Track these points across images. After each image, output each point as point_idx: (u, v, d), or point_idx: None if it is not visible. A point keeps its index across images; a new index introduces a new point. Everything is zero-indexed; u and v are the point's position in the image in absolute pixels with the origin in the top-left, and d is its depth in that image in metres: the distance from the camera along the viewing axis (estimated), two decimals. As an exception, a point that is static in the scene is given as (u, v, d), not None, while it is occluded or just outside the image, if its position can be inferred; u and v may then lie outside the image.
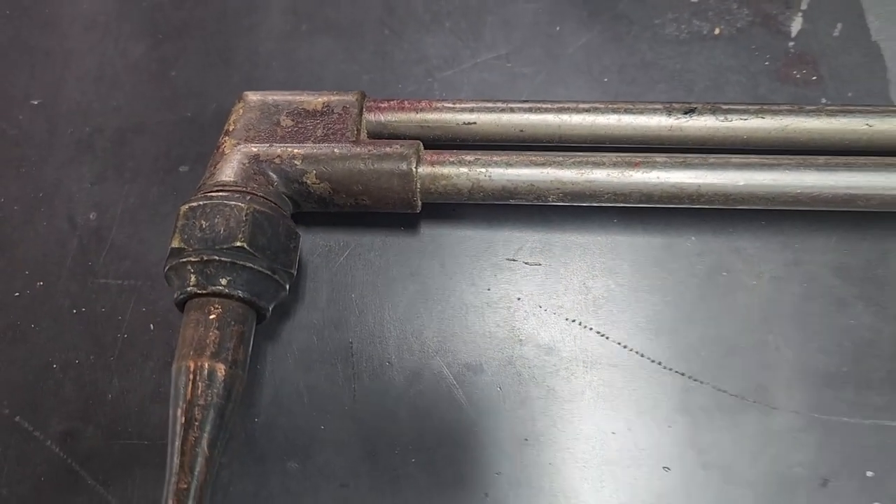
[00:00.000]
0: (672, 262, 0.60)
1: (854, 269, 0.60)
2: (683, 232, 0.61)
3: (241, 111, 0.60)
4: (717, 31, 0.64)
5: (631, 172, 0.56)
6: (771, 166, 0.56)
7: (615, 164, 0.56)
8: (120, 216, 0.64)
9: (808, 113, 0.58)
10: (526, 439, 0.56)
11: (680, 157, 0.56)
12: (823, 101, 0.63)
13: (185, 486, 0.48)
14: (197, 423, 0.49)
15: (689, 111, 0.58)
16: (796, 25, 0.64)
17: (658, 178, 0.56)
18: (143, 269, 0.61)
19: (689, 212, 0.60)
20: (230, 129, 0.59)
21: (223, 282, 0.52)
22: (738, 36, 0.64)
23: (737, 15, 0.65)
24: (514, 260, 0.61)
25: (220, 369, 0.50)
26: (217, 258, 0.52)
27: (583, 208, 0.60)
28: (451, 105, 0.60)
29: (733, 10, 0.65)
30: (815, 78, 0.63)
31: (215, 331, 0.52)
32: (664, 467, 0.55)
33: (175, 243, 0.53)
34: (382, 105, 0.60)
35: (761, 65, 0.64)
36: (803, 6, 0.64)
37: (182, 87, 0.68)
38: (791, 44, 0.64)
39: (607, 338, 0.59)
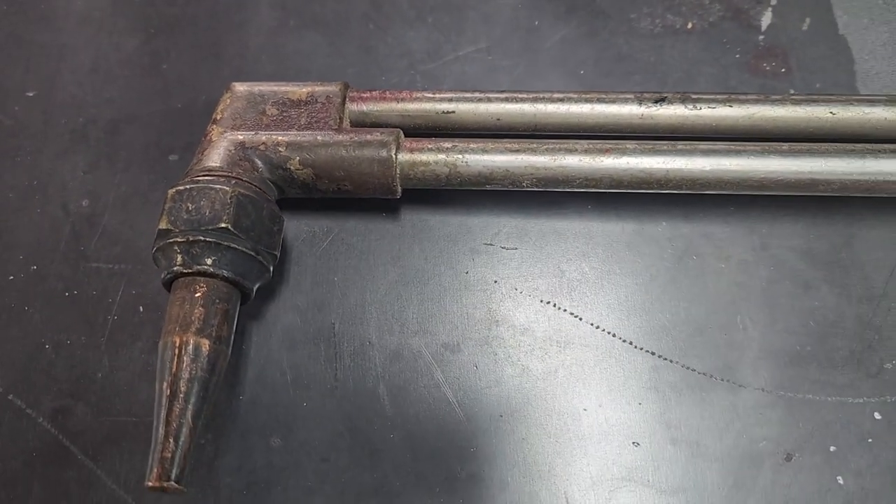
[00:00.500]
0: (644, 246, 0.62)
1: (819, 254, 0.62)
2: (655, 217, 0.63)
3: (228, 101, 0.62)
4: (689, 26, 0.66)
5: (602, 158, 0.58)
6: (737, 152, 0.58)
7: (586, 151, 0.58)
8: (112, 203, 0.66)
9: (773, 102, 0.60)
10: (501, 416, 0.58)
11: (649, 143, 0.58)
12: (792, 91, 0.65)
13: (170, 454, 0.49)
14: (182, 395, 0.51)
15: (660, 100, 0.60)
16: (766, 20, 0.67)
17: (628, 163, 0.58)
18: (134, 253, 0.63)
19: (660, 198, 0.62)
20: (218, 118, 0.61)
21: (208, 261, 0.54)
22: (710, 30, 0.66)
23: (709, 10, 0.67)
24: (491, 244, 0.63)
25: (205, 344, 0.52)
26: (202, 239, 0.54)
27: (558, 195, 0.62)
28: (430, 95, 0.62)
29: (705, 5, 0.67)
30: (784, 70, 0.66)
31: (200, 308, 0.54)
32: (634, 442, 0.57)
33: (162, 225, 0.55)
34: (365, 95, 0.63)
35: (732, 57, 0.66)
36: (773, 1, 0.67)
37: (173, 80, 0.71)
38: (761, 37, 0.66)
39: (580, 319, 0.61)
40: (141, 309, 0.62)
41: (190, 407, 0.51)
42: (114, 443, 0.57)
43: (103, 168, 0.67)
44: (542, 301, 0.61)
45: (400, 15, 0.70)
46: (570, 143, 0.58)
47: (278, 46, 0.71)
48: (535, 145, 0.58)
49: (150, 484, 0.49)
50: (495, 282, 0.62)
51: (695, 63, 0.65)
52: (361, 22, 0.71)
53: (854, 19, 0.66)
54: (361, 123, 0.62)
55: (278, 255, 0.59)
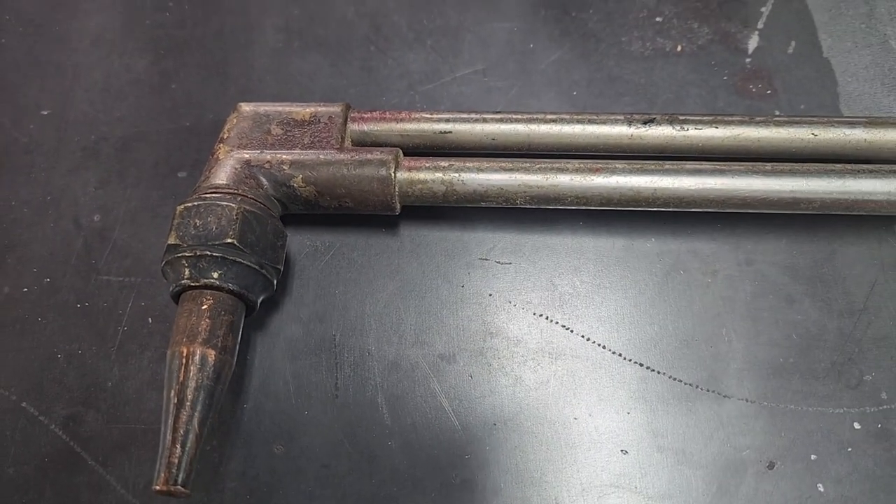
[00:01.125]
0: (633, 261, 0.65)
1: (802, 269, 0.64)
2: (644, 234, 0.65)
3: (234, 120, 0.65)
4: (679, 48, 0.68)
5: (592, 177, 0.60)
6: (721, 172, 0.60)
7: (578, 170, 0.61)
8: (122, 218, 0.69)
9: (758, 123, 0.63)
10: (494, 424, 0.60)
11: (638, 163, 0.61)
12: (777, 113, 0.67)
13: (176, 459, 0.52)
14: (188, 403, 0.53)
15: (649, 121, 0.62)
16: (753, 43, 0.69)
17: (617, 182, 0.60)
18: (143, 266, 0.66)
19: (649, 215, 0.64)
20: (224, 137, 0.64)
21: (215, 275, 0.57)
22: (699, 52, 0.69)
23: (697, 33, 0.69)
24: (486, 259, 0.65)
25: (211, 354, 0.55)
26: (209, 253, 0.57)
27: (551, 212, 0.65)
28: (428, 115, 0.64)
29: (694, 29, 0.69)
30: (769, 92, 0.68)
31: (207, 320, 0.56)
32: (622, 450, 0.59)
33: (171, 240, 0.58)
34: (365, 115, 0.65)
35: (720, 79, 0.68)
36: (760, 25, 0.69)
37: (181, 99, 0.73)
38: (748, 60, 0.68)
39: (572, 331, 0.63)
40: (150, 320, 0.64)
41: (196, 414, 0.53)
42: (123, 449, 0.60)
43: (114, 184, 0.70)
44: (534, 314, 0.63)
45: (400, 38, 0.73)
46: (562, 163, 0.61)
47: (283, 67, 0.73)
48: (528, 164, 0.61)
49: (158, 488, 0.52)
50: (490, 295, 0.64)
51: (683, 85, 0.68)
52: (363, 44, 0.73)
53: (838, 43, 0.68)
54: (362, 143, 0.65)
55: (282, 269, 0.61)
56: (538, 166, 0.61)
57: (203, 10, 0.77)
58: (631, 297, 0.64)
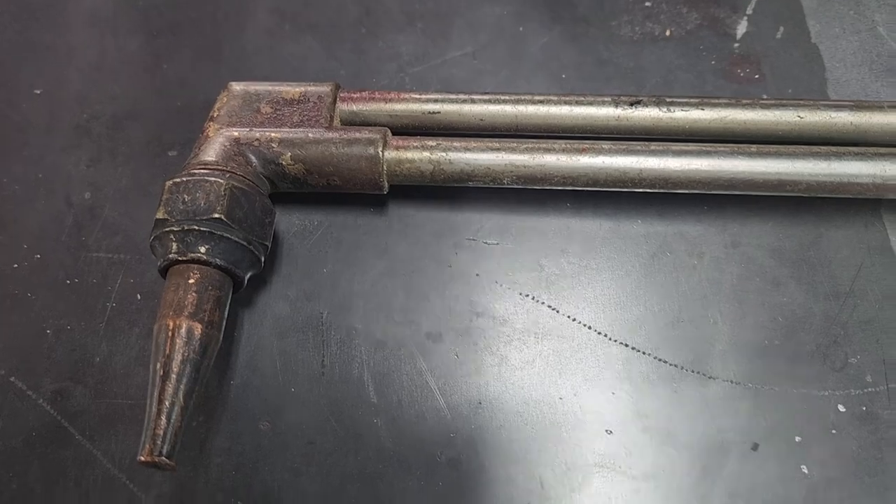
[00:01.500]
0: (620, 243, 0.65)
1: (788, 252, 0.64)
2: (631, 216, 0.66)
3: (225, 99, 0.65)
4: (668, 33, 0.68)
5: (578, 157, 0.61)
6: (707, 153, 0.60)
7: (564, 150, 0.61)
8: (112, 196, 0.69)
9: (744, 105, 0.63)
10: (480, 403, 0.60)
11: (624, 144, 0.61)
12: (765, 97, 0.68)
13: (161, 430, 0.52)
14: (174, 376, 0.54)
15: (635, 103, 0.63)
16: (741, 28, 0.69)
17: (603, 162, 0.61)
18: (133, 244, 0.66)
19: (635, 197, 0.65)
20: (215, 115, 0.64)
21: (202, 250, 0.57)
22: (688, 37, 0.69)
23: (686, 18, 0.70)
24: (474, 239, 0.66)
25: (197, 328, 0.55)
26: (197, 228, 0.57)
27: (538, 193, 0.65)
28: (417, 96, 0.65)
29: (683, 14, 0.70)
30: (757, 76, 0.68)
31: (193, 294, 0.57)
32: (607, 430, 0.60)
33: (159, 215, 0.58)
34: (355, 95, 0.66)
35: (708, 64, 0.69)
36: (748, 10, 0.69)
37: (173, 79, 0.74)
38: (736, 45, 0.69)
39: (558, 311, 0.63)
40: (138, 297, 0.64)
41: (182, 387, 0.54)
42: (110, 424, 0.60)
43: (105, 162, 0.71)
44: (521, 294, 0.64)
45: (391, 20, 0.73)
46: (549, 143, 0.61)
47: (275, 49, 0.74)
48: (515, 144, 0.61)
49: (142, 459, 0.52)
50: (477, 275, 0.64)
51: (672, 69, 0.68)
52: (354, 27, 0.74)
53: (826, 28, 0.68)
54: (352, 122, 0.65)
55: (269, 246, 0.62)
56: (525, 146, 0.61)
57: (196, -10, 0.77)
58: (617, 278, 0.64)
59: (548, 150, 0.61)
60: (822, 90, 0.67)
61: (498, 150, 0.61)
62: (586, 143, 0.61)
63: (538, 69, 0.69)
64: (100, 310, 0.65)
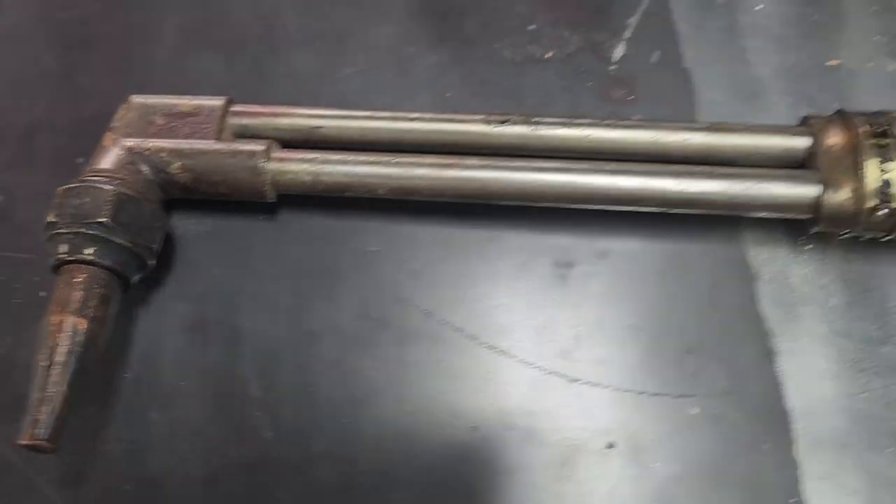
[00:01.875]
0: (494, 252, 0.69)
1: (652, 263, 0.69)
2: (506, 226, 0.70)
3: (124, 111, 0.70)
4: (548, 55, 0.73)
5: (446, 171, 0.65)
6: (565, 170, 0.65)
7: (432, 165, 0.66)
8: (23, 199, 0.74)
9: (606, 125, 0.67)
10: (358, 399, 0.65)
11: (489, 160, 0.66)
12: (639, 117, 0.72)
13: (42, 416, 0.57)
14: (58, 367, 0.58)
15: (504, 121, 0.67)
16: (619, 52, 0.74)
17: (469, 176, 0.65)
18: (39, 245, 0.70)
19: (511, 209, 0.68)
20: (113, 126, 0.69)
21: (89, 251, 0.62)
22: (567, 60, 0.74)
23: (568, 41, 0.74)
24: (358, 247, 0.70)
25: (82, 323, 0.60)
26: (84, 231, 0.62)
27: (421, 203, 0.69)
28: (301, 111, 0.69)
29: (565, 37, 0.74)
30: (631, 98, 0.73)
31: (80, 291, 0.61)
32: (472, 427, 0.64)
33: (50, 218, 0.63)
34: (246, 110, 0.70)
35: (584, 85, 0.73)
36: (626, 35, 0.74)
37: (84, 91, 0.78)
38: (613, 67, 0.73)
39: (432, 315, 0.68)
40: (42, 294, 0.69)
41: (64, 377, 0.58)
42: (11, 413, 0.64)
43: (18, 169, 0.75)
44: (398, 298, 0.68)
45: (289, 39, 0.78)
46: (419, 158, 0.66)
47: (180, 63, 0.78)
48: (388, 158, 0.66)
49: (22, 442, 0.57)
50: (361, 280, 0.69)
51: (551, 90, 0.73)
52: (255, 44, 0.78)
53: (699, 54, 0.73)
54: (242, 135, 0.69)
55: (157, 249, 0.66)
56: (397, 160, 0.66)
57: (108, 7, 0.82)
58: (490, 285, 0.68)
59: (418, 165, 0.65)
60: (691, 113, 0.72)
61: (373, 163, 0.66)
62: (452, 159, 0.65)
63: (424, 88, 0.74)
64: (5, 306, 0.69)
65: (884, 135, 0.62)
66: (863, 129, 0.62)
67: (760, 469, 0.62)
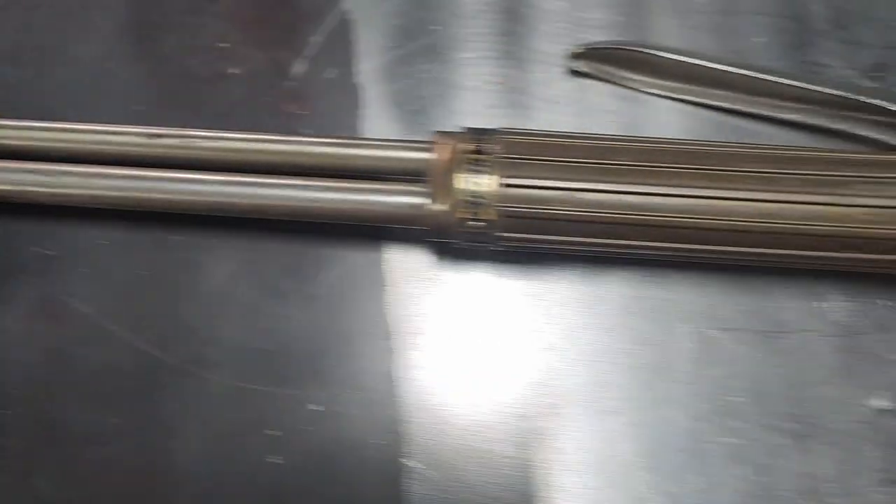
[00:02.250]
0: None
1: (293, 268, 0.73)
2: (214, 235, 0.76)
3: None
4: (234, 72, 0.78)
5: (95, 180, 0.71)
6: (202, 181, 0.70)
7: (83, 175, 0.71)
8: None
9: (257, 140, 0.72)
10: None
11: (136, 171, 0.71)
12: (310, 131, 0.77)
13: None
14: None
15: (158, 135, 0.72)
16: (300, 69, 0.79)
17: (119, 184, 0.71)
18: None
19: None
20: None
21: None
22: (250, 75, 0.78)
23: (253, 58, 0.79)
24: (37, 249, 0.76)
25: None
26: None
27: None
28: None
29: (251, 55, 0.79)
30: (306, 113, 0.78)
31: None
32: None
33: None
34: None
35: (263, 100, 0.78)
36: (307, 53, 0.78)
37: None
38: (291, 83, 0.78)
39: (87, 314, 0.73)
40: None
41: None
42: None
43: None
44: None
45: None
46: (69, 167, 0.71)
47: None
48: (40, 167, 0.72)
49: None
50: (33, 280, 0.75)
51: (233, 104, 0.78)
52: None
53: (371, 72, 0.77)
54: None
55: None
56: (47, 168, 0.71)
57: None
58: (131, 282, 0.74)
59: (66, 174, 0.71)
60: (358, 127, 0.76)
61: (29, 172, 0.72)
62: (107, 170, 0.71)
63: (119, 102, 0.79)
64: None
65: (477, 151, 0.66)
66: (461, 145, 0.66)
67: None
